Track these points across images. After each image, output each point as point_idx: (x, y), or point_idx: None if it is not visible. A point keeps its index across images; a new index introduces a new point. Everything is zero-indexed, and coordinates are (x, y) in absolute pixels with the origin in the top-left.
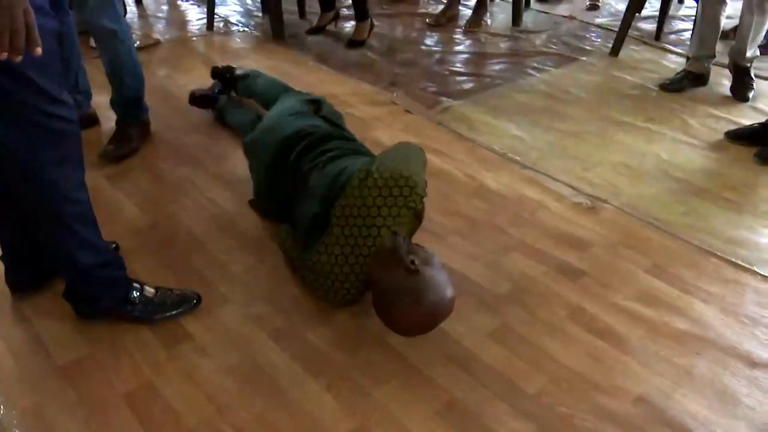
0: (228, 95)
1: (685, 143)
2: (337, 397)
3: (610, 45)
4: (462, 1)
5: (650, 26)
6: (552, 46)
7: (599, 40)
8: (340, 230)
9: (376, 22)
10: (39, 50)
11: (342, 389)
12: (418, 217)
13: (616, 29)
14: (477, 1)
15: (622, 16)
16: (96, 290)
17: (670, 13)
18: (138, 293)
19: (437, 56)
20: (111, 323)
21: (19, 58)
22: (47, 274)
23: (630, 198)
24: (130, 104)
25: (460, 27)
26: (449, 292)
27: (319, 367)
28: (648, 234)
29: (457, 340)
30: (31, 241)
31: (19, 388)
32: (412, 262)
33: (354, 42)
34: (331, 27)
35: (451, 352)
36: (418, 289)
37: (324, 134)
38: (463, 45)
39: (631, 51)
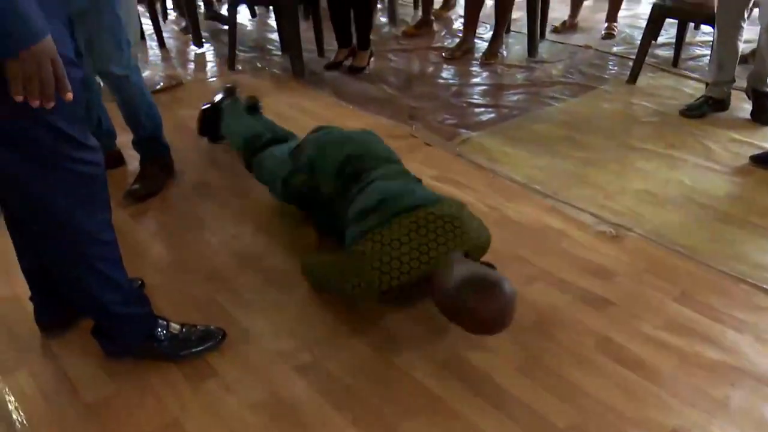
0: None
1: (708, 169)
2: (363, 431)
3: (627, 73)
4: (477, 34)
5: (667, 53)
6: (569, 75)
7: (616, 68)
8: (409, 230)
9: (392, 57)
10: (70, 95)
11: (368, 424)
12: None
13: (633, 57)
14: (492, 34)
15: (637, 44)
16: (121, 328)
17: (687, 39)
18: (163, 330)
19: (454, 89)
20: (137, 360)
21: (51, 104)
22: (76, 313)
23: (654, 225)
24: (149, 144)
25: (476, 59)
26: (513, 288)
27: (344, 402)
28: (674, 261)
29: (485, 374)
30: (59, 282)
31: (46, 428)
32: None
33: (354, 68)
34: (347, 62)
35: (478, 385)
36: (491, 277)
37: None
38: (479, 77)
39: (648, 78)
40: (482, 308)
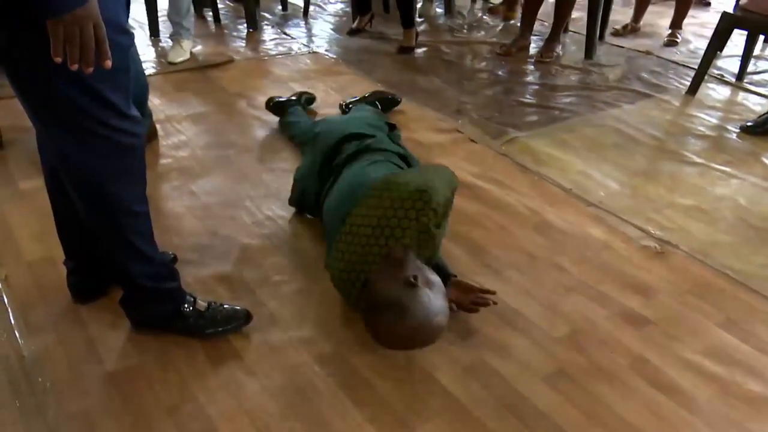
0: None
1: (766, 190)
2: (379, 430)
3: (688, 83)
4: (534, 32)
5: (732, 65)
6: (626, 81)
7: (676, 77)
8: (350, 237)
9: (445, 49)
10: (109, 63)
11: (385, 422)
12: (430, 234)
13: (695, 67)
14: (549, 32)
15: (700, 53)
16: (148, 301)
17: (755, 53)
18: (190, 307)
19: (505, 86)
20: (162, 334)
21: (90, 70)
22: (107, 282)
23: (703, 244)
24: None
25: (531, 57)
26: (439, 319)
27: (363, 397)
28: (721, 284)
29: (509, 382)
30: (93, 248)
31: (69, 392)
32: (414, 276)
33: (404, 48)
34: (367, 27)
35: (501, 393)
36: (407, 305)
37: (377, 146)
38: (532, 76)
39: (709, 90)
40: (383, 330)
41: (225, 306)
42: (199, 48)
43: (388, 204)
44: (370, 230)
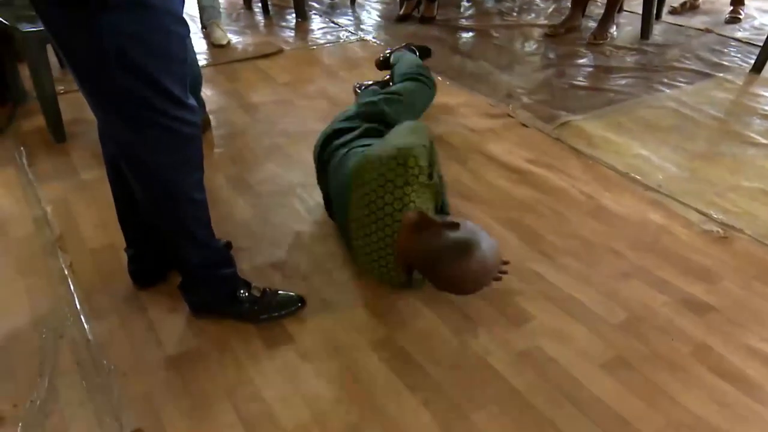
0: None
1: None
2: (434, 414)
3: (752, 61)
4: (588, 14)
5: None
6: (685, 60)
7: (739, 55)
8: (361, 233)
9: (494, 33)
10: None
11: (439, 407)
12: (429, 187)
13: (760, 44)
14: (604, 12)
15: (766, 29)
16: (205, 286)
17: None
18: (246, 293)
19: (557, 68)
20: (219, 319)
21: None
22: (167, 267)
23: None
24: None
25: (583, 39)
26: (494, 242)
27: (417, 382)
28: None
29: (566, 369)
30: (152, 236)
31: (132, 374)
32: (449, 219)
33: (425, 18)
34: (415, 13)
35: (557, 380)
36: (464, 239)
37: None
38: (586, 58)
39: None
40: (457, 273)
41: (280, 292)
42: (249, 39)
43: (375, 186)
44: (374, 217)
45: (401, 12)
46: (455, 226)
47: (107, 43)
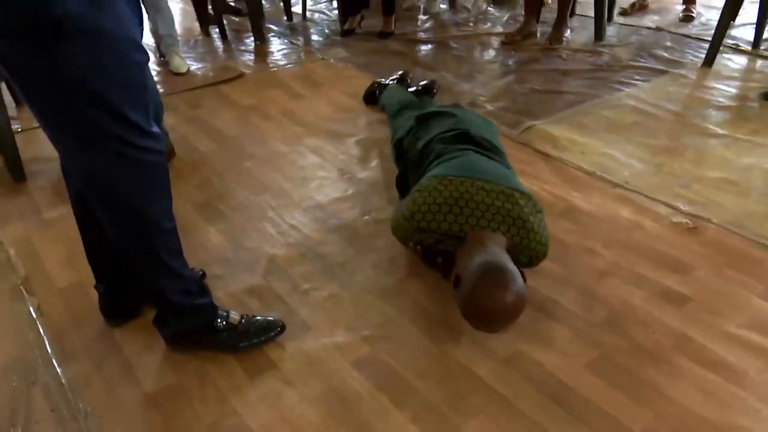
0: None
1: None
2: (423, 430)
3: (703, 56)
4: (540, 19)
5: (747, 34)
6: (639, 59)
7: (690, 51)
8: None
9: (453, 44)
10: None
11: (428, 422)
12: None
13: (708, 39)
14: (557, 17)
15: (712, 25)
16: (181, 318)
17: None
18: (223, 321)
19: (517, 75)
20: (197, 351)
21: None
22: (139, 303)
23: (736, 216)
24: None
25: (539, 44)
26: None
27: (404, 398)
28: (758, 254)
29: (551, 371)
30: (124, 269)
31: (110, 416)
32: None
33: (383, 34)
34: (357, 29)
35: (544, 384)
36: (522, 286)
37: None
38: (543, 62)
39: (726, 60)
40: (483, 297)
41: (258, 318)
42: (208, 65)
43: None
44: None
45: (345, 27)
46: (524, 278)
47: (66, 72)
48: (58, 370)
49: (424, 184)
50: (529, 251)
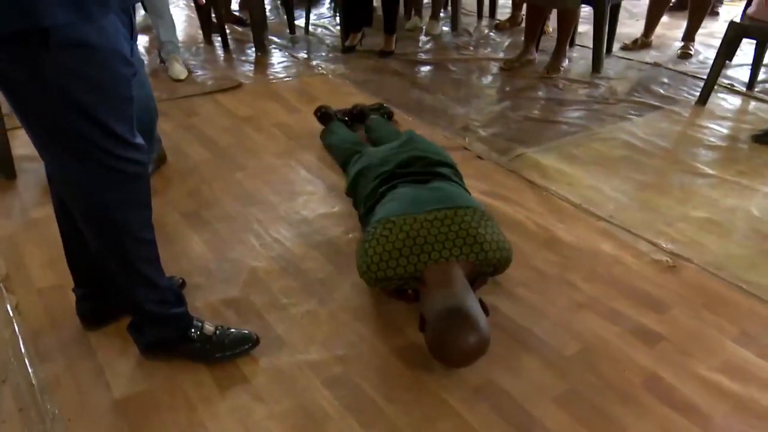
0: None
1: None
2: None
3: (698, 94)
4: (539, 47)
5: (742, 75)
6: (635, 94)
7: (685, 88)
8: (408, 231)
9: (452, 67)
10: None
11: None
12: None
13: (704, 77)
14: (555, 46)
15: (710, 63)
16: (155, 326)
17: (765, 61)
18: (198, 331)
19: (513, 102)
20: (170, 360)
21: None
22: (116, 309)
23: (716, 257)
24: (141, 137)
25: (537, 72)
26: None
27: (371, 420)
28: (736, 298)
29: (519, 403)
30: (101, 275)
31: (78, 420)
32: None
33: (384, 52)
34: (358, 46)
35: (510, 414)
36: (485, 330)
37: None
38: (540, 91)
39: (720, 100)
40: (446, 343)
41: (233, 330)
42: (208, 73)
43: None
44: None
45: (346, 43)
46: (486, 312)
47: (50, 82)
48: (30, 370)
49: (370, 232)
50: (489, 262)
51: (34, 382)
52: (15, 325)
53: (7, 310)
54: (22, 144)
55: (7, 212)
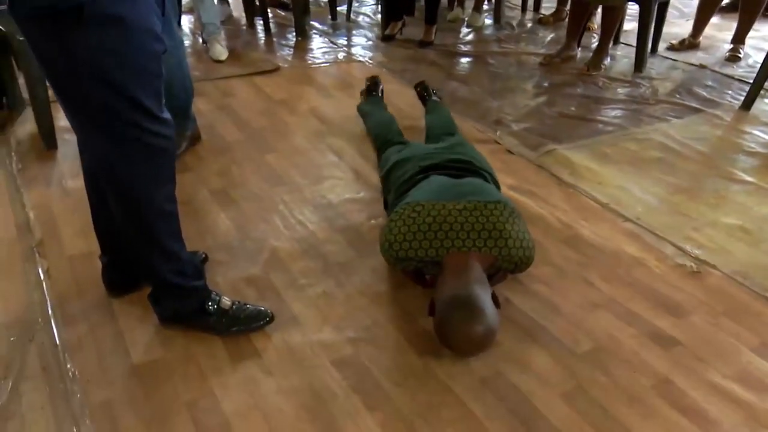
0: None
1: None
2: None
3: (742, 98)
4: (581, 43)
5: None
6: (676, 95)
7: (730, 92)
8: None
9: (490, 60)
10: None
11: (396, 429)
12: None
13: (751, 81)
14: (598, 43)
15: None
16: (174, 297)
17: None
18: (215, 305)
19: (549, 97)
20: (187, 330)
21: None
22: (139, 276)
23: (743, 266)
24: (177, 115)
25: (577, 69)
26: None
27: (377, 402)
28: (759, 308)
29: (526, 396)
30: (126, 245)
31: (95, 381)
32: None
33: (424, 42)
34: (398, 35)
35: (517, 407)
36: (494, 319)
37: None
38: (578, 88)
39: (766, 106)
40: (452, 332)
41: (249, 306)
42: (248, 56)
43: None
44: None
45: (386, 31)
46: (498, 305)
47: (81, 56)
48: (55, 331)
49: (398, 212)
50: (511, 259)
51: (58, 343)
52: (45, 288)
53: (39, 274)
54: (63, 115)
55: (46, 181)
